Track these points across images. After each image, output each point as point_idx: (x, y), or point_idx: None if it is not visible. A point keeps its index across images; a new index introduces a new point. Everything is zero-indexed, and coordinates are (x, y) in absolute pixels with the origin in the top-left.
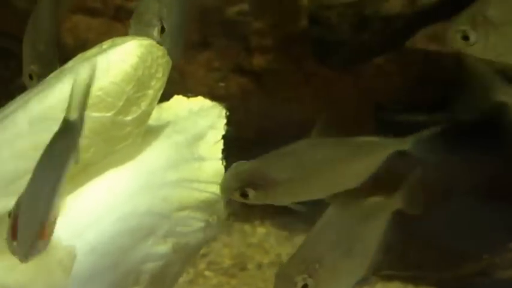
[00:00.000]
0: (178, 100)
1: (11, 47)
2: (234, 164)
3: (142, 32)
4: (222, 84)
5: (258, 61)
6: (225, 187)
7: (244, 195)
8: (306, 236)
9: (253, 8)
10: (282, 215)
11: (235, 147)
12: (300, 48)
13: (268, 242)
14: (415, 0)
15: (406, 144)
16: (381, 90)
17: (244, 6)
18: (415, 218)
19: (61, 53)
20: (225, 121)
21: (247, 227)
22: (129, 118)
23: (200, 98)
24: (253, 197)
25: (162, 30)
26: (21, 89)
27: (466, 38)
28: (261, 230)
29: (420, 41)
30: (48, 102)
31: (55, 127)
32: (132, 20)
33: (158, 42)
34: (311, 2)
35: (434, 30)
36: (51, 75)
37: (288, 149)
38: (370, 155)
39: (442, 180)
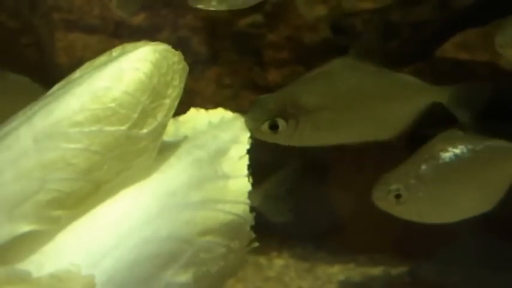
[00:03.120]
0: (196, 112)
1: None
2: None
3: None
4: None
5: (273, 76)
6: (251, 120)
7: (274, 127)
8: None
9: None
10: (301, 245)
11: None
12: (321, 61)
13: (288, 275)
14: (445, 5)
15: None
16: None
17: (257, 18)
18: None
19: (54, 74)
20: (248, 134)
21: (262, 260)
22: (144, 131)
23: (220, 110)
24: (283, 129)
25: None
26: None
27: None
28: (278, 262)
29: (450, 49)
30: (53, 117)
31: (62, 144)
32: None
33: None
34: (330, 10)
35: (466, 38)
36: (57, 86)
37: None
38: (412, 97)
39: None
